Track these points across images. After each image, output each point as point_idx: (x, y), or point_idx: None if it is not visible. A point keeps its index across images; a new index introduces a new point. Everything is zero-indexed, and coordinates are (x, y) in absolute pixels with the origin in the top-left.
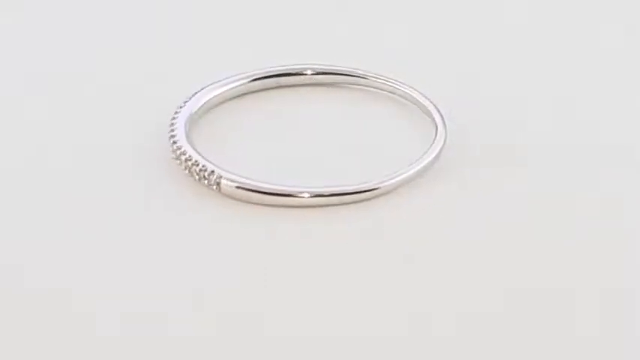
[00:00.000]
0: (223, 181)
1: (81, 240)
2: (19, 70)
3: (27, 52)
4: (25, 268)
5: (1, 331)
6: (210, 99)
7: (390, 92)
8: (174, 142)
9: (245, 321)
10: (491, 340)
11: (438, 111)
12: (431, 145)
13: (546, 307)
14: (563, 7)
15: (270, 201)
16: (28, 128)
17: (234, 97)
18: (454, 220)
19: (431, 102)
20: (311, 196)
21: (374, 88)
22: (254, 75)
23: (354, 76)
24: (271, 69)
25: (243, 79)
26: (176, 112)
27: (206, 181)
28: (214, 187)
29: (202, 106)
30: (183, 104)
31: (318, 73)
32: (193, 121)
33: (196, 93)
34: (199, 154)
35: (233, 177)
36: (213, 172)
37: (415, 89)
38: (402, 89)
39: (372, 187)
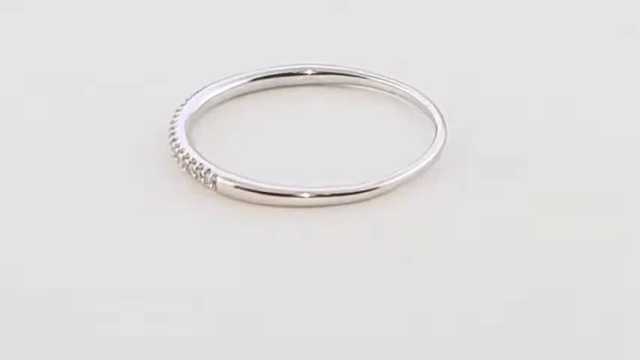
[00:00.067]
0: (219, 180)
1: (81, 240)
2: (19, 70)
3: (27, 52)
4: (24, 267)
5: (0, 330)
6: (211, 99)
7: (390, 92)
8: (174, 140)
9: (245, 321)
10: (491, 340)
11: (438, 111)
12: (431, 145)
13: (546, 307)
14: (563, 7)
15: (270, 201)
16: (28, 128)
17: (235, 97)
18: (454, 220)
19: (431, 102)
20: (311, 196)
21: (374, 88)
22: (254, 75)
23: (354, 76)
24: (271, 69)
25: (243, 78)
26: (176, 112)
27: (202, 180)
28: (210, 185)
29: (202, 105)
30: (183, 104)
31: (318, 73)
32: (193, 120)
33: (196, 93)
34: (197, 152)
35: (229, 175)
36: (209, 170)
37: (415, 89)
38: (402, 89)
39: (372, 187)
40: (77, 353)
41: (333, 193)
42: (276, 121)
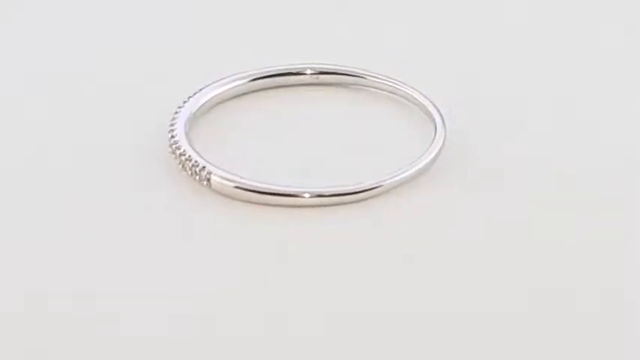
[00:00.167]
0: (213, 177)
1: (80, 240)
2: (19, 70)
3: (27, 52)
4: (24, 267)
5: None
6: (211, 98)
7: (390, 92)
8: (173, 139)
9: (245, 321)
10: (491, 339)
11: (438, 111)
12: (430, 144)
13: (546, 307)
14: (563, 7)
15: (270, 201)
16: (28, 128)
17: (234, 97)
18: (454, 220)
19: (431, 102)
20: (312, 197)
21: (374, 88)
22: (254, 75)
23: (354, 76)
24: (271, 69)
25: (243, 78)
26: (176, 112)
27: (197, 177)
28: (205, 182)
29: (202, 105)
30: (183, 104)
31: (318, 73)
32: (193, 120)
33: (196, 92)
34: (195, 150)
35: (224, 174)
36: (204, 167)
37: (415, 89)
38: (402, 89)
39: (372, 187)
40: (77, 353)
41: (333, 193)
42: (276, 121)
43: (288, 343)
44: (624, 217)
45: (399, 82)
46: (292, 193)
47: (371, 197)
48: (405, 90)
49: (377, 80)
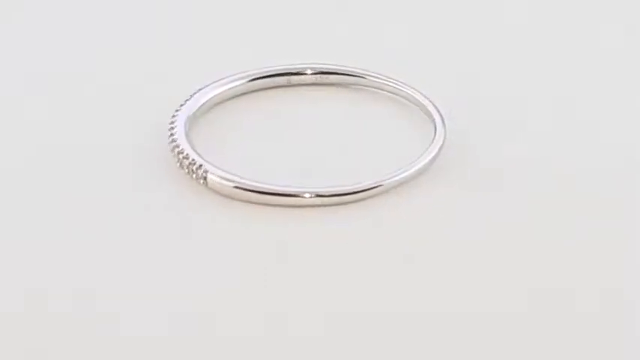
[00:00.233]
0: (212, 177)
1: (80, 239)
2: (19, 70)
3: (27, 52)
4: (24, 267)
5: None
6: (211, 98)
7: (390, 92)
8: (172, 137)
9: (245, 321)
10: (491, 339)
11: (438, 111)
12: (430, 144)
13: (546, 307)
14: (563, 7)
15: (270, 201)
16: (28, 128)
17: (234, 97)
18: (454, 220)
19: (431, 102)
20: (312, 196)
21: (374, 88)
22: (254, 75)
23: (354, 76)
24: (271, 69)
25: (243, 78)
26: (176, 112)
27: (194, 175)
28: (201, 181)
29: (202, 105)
30: (183, 103)
31: (318, 73)
32: (193, 120)
33: (196, 92)
34: (195, 150)
35: (223, 174)
36: (201, 166)
37: (415, 89)
38: (402, 89)
39: (372, 187)
40: (77, 353)
41: (332, 193)
42: (276, 121)
43: (287, 343)
44: (624, 217)
45: (399, 82)
46: (292, 193)
47: (371, 197)
48: (405, 90)
49: (377, 80)
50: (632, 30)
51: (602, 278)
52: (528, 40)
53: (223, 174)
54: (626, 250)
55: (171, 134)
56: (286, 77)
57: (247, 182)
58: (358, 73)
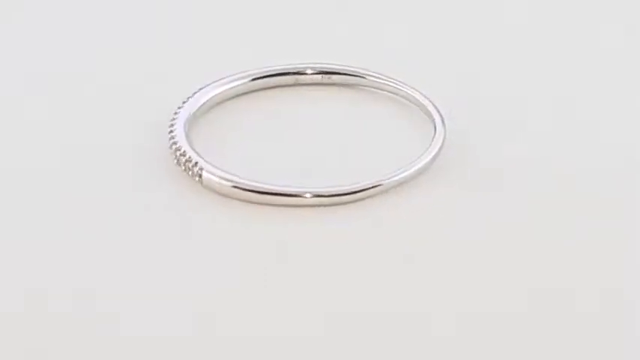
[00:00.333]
0: (211, 177)
1: (80, 239)
2: (19, 70)
3: (27, 52)
4: (24, 267)
5: None
6: (211, 98)
7: (390, 92)
8: (172, 137)
9: (245, 321)
10: (490, 340)
11: (438, 111)
12: (430, 144)
13: (546, 307)
14: (563, 7)
15: (270, 201)
16: (28, 128)
17: (234, 97)
18: (454, 220)
19: (430, 102)
20: (311, 197)
21: (374, 88)
22: (254, 74)
23: (354, 75)
24: (271, 68)
25: (243, 78)
26: (176, 112)
27: (190, 173)
28: (196, 178)
29: (202, 105)
30: (183, 103)
31: (318, 73)
32: (193, 120)
33: (196, 92)
34: (194, 150)
35: (223, 174)
36: (196, 163)
37: (415, 89)
38: (402, 89)
39: (372, 187)
40: (77, 353)
41: (332, 193)
42: (276, 121)
43: (287, 343)
44: (624, 217)
45: (400, 82)
46: (292, 193)
47: (370, 197)
48: (405, 90)
49: (377, 80)
50: (632, 30)
51: (602, 278)
52: (528, 40)
53: (223, 174)
54: (626, 250)
55: (172, 135)
56: (292, 76)
57: (246, 182)
58: (358, 73)
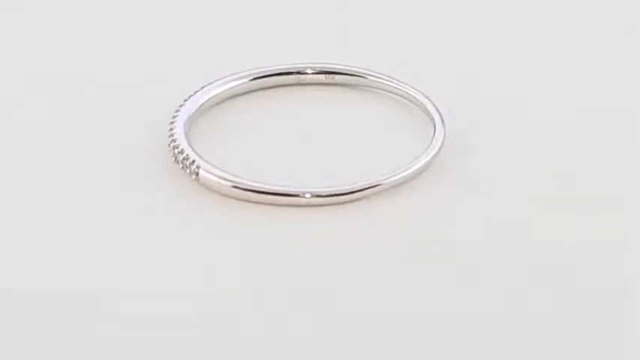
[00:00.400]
0: (211, 176)
1: (80, 239)
2: (19, 70)
3: (27, 52)
4: (23, 267)
5: None
6: (210, 98)
7: (390, 92)
8: (172, 136)
9: (244, 321)
10: (490, 340)
11: (437, 110)
12: (429, 144)
13: (546, 307)
14: (563, 7)
15: (270, 201)
16: (28, 128)
17: (234, 97)
18: (453, 220)
19: (430, 101)
20: (311, 197)
21: (374, 88)
22: (254, 74)
23: (354, 75)
24: (271, 68)
25: (243, 78)
26: (176, 111)
27: (188, 171)
28: (193, 177)
29: (202, 104)
30: (183, 103)
31: (318, 73)
32: (193, 119)
33: (196, 92)
34: (194, 150)
35: (223, 173)
36: (193, 161)
37: (415, 89)
38: (402, 89)
39: (371, 187)
40: (76, 353)
41: (332, 193)
42: (276, 120)
43: (287, 343)
44: (624, 217)
45: (400, 82)
46: (292, 193)
47: (370, 197)
48: (405, 90)
49: (377, 80)
50: (632, 30)
51: (602, 278)
52: (528, 40)
53: (222, 174)
54: (626, 250)
55: (172, 136)
56: (292, 76)
57: (246, 182)
58: (358, 72)
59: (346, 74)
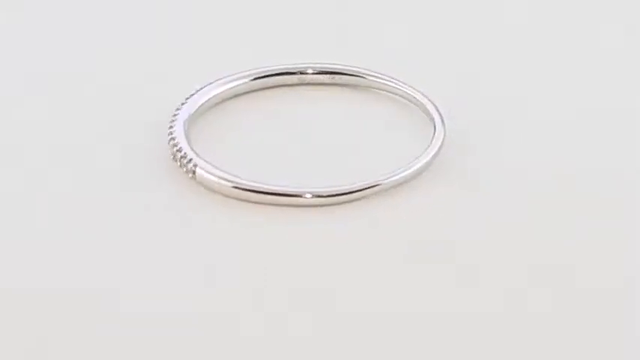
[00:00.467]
0: (210, 176)
1: (79, 239)
2: (19, 70)
3: (27, 52)
4: (22, 267)
5: None
6: (211, 98)
7: (390, 92)
8: (172, 136)
9: (244, 321)
10: (490, 340)
11: (437, 110)
12: (429, 144)
13: (546, 307)
14: (563, 7)
15: (270, 201)
16: (28, 128)
17: (235, 97)
18: (453, 220)
19: (430, 101)
20: (311, 197)
21: (374, 88)
22: (254, 74)
23: (354, 75)
24: (271, 68)
25: (243, 78)
26: (176, 111)
27: (185, 169)
28: (190, 174)
29: (202, 104)
30: (183, 103)
31: (318, 73)
32: (193, 119)
33: (196, 92)
34: (194, 150)
35: (222, 174)
36: (190, 160)
37: (415, 89)
38: (402, 89)
39: (371, 187)
40: (76, 353)
41: (332, 193)
42: (276, 120)
43: (287, 343)
44: (624, 217)
45: (399, 81)
46: (292, 193)
47: (370, 197)
48: (405, 90)
49: (377, 80)
50: (632, 30)
51: (602, 278)
52: (528, 40)
53: (222, 174)
54: (626, 250)
55: (172, 136)
56: (293, 76)
57: (246, 182)
58: (358, 72)
59: (346, 74)
